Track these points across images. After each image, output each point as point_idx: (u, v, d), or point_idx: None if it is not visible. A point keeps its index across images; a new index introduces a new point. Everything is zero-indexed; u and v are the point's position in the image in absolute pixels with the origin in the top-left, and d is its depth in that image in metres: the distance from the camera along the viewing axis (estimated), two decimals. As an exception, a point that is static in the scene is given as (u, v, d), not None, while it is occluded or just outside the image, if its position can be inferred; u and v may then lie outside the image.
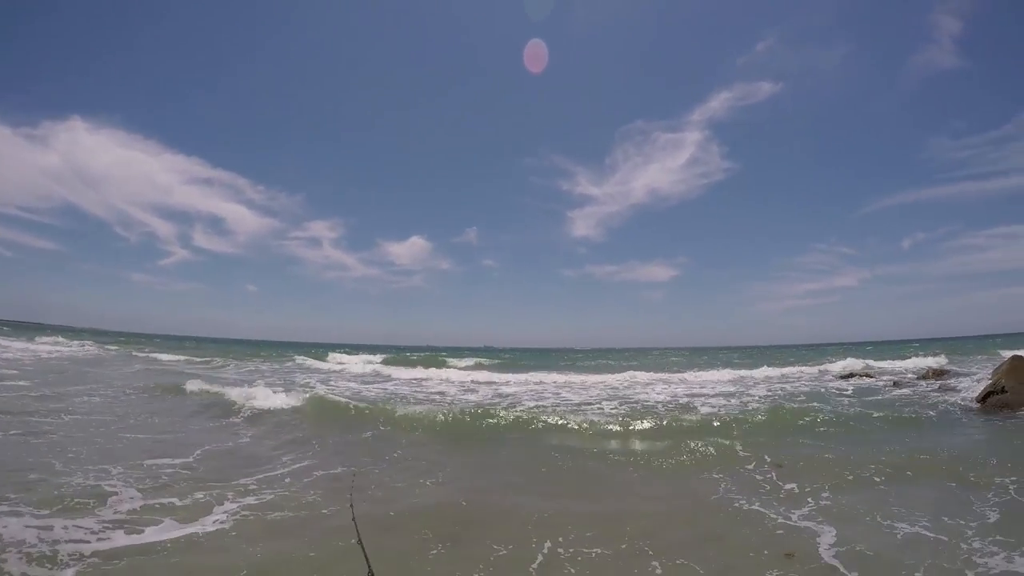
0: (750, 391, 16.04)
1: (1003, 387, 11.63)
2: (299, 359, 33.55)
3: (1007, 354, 15.40)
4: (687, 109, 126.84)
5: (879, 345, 59.83)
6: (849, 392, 15.22)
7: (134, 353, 32.18)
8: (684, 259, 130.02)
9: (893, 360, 25.76)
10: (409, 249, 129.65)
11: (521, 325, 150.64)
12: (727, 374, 22.79)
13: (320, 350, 46.59)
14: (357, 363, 30.96)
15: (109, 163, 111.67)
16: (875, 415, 10.65)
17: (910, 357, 26.77)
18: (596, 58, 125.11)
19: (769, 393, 15.42)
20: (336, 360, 34.73)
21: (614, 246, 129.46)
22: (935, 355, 26.17)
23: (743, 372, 23.25)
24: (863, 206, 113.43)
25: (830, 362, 27.46)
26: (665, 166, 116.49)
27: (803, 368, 24.88)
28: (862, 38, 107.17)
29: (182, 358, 31.18)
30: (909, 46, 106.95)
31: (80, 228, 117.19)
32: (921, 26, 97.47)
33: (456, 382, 20.88)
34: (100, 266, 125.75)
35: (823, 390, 15.85)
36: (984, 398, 11.79)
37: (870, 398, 13.85)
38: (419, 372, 24.88)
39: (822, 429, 9.66)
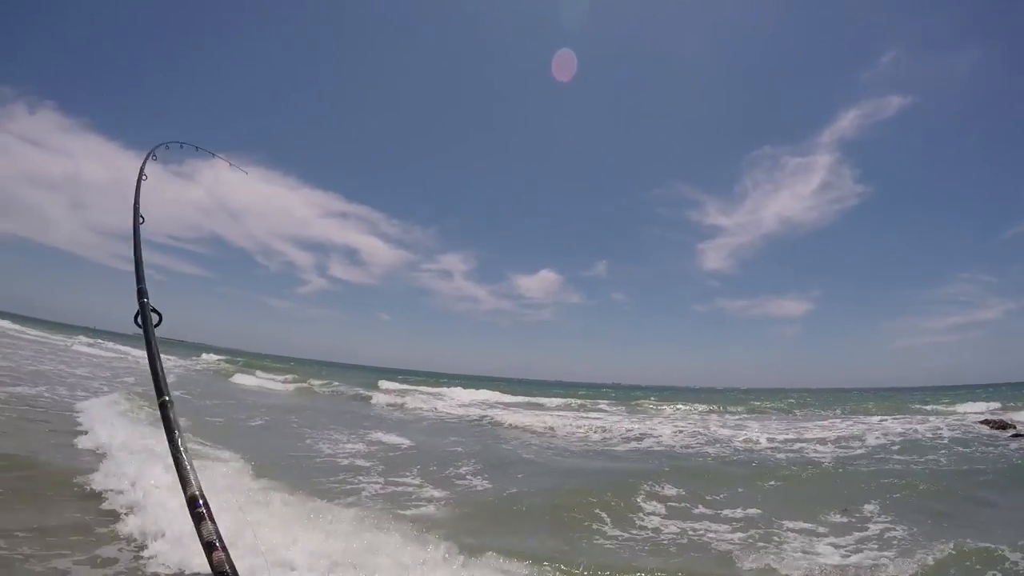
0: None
1: None
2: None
3: None
4: (814, 131, 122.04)
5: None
6: (982, 447, 14.96)
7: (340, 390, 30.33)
8: (818, 292, 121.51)
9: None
10: (539, 282, 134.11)
11: (652, 360, 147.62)
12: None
13: (444, 379, 50.56)
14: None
15: (251, 198, 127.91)
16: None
17: None
18: (717, 84, 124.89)
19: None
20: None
21: (746, 279, 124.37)
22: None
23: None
24: (1008, 227, 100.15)
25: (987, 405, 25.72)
26: (796, 192, 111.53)
27: (938, 416, 23.82)
28: (995, 38, 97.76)
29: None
30: None
31: (224, 256, 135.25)
32: None
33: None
34: (242, 291, 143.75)
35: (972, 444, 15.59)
36: None
37: (1005, 456, 12.88)
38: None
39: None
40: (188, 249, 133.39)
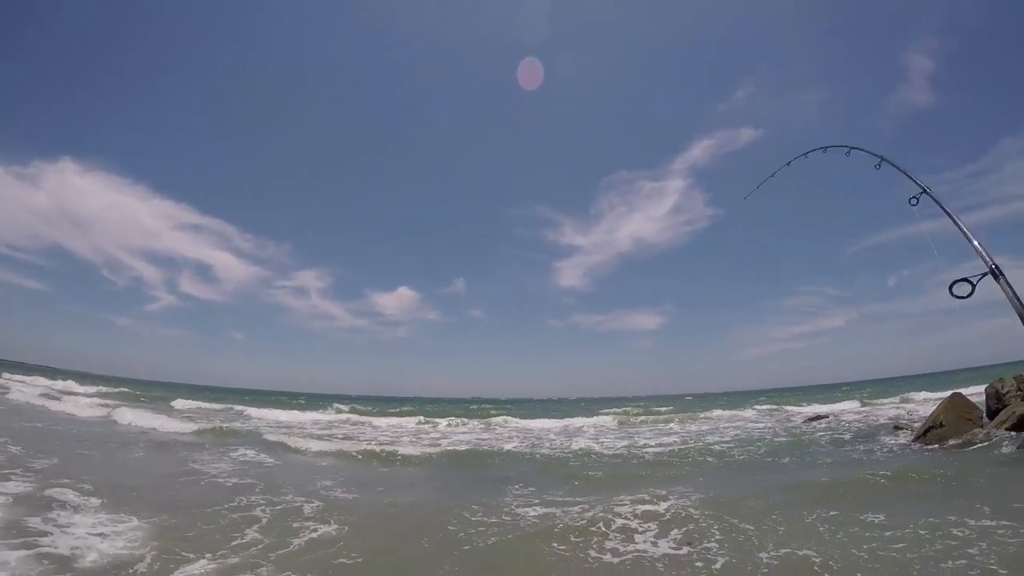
0: (707, 436, 16.06)
1: (941, 422, 11.83)
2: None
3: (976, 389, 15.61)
4: (669, 158, 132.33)
5: (871, 383, 59.77)
6: (798, 436, 15.30)
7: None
8: (671, 307, 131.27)
9: (872, 400, 25.93)
10: (397, 300, 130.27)
11: (510, 375, 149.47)
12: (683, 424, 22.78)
13: (307, 400, 45.78)
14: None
15: (98, 206, 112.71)
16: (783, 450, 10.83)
17: (897, 395, 27.06)
18: (578, 110, 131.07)
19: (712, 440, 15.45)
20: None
21: (601, 295, 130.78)
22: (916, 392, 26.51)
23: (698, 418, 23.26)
24: (847, 247, 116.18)
25: (820, 403, 27.66)
26: (650, 215, 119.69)
27: (773, 411, 24.92)
28: (838, 81, 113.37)
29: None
30: (884, 86, 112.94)
31: (67, 270, 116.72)
32: (894, 66, 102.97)
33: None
34: (86, 308, 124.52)
35: (784, 431, 15.91)
36: (924, 433, 11.95)
37: (813, 442, 13.94)
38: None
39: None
40: (27, 260, 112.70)
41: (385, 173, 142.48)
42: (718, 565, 4.69)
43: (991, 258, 3.27)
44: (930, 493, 6.86)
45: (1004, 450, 9.58)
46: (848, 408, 23.79)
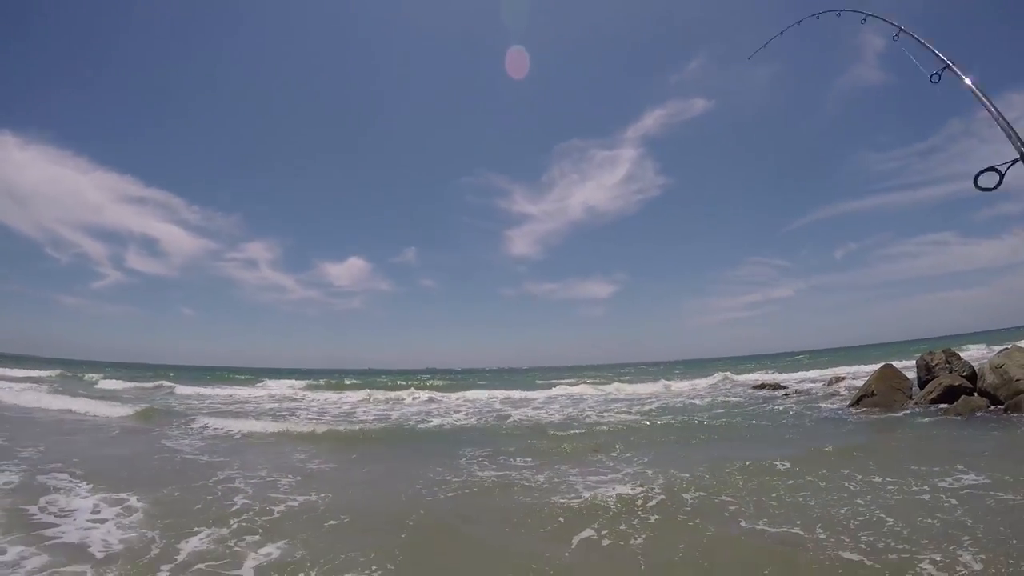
0: (645, 404, 16.16)
1: (872, 391, 12.11)
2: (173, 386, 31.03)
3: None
4: (622, 127, 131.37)
5: (822, 352, 62.46)
6: (740, 402, 15.57)
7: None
8: (623, 275, 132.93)
9: (819, 370, 26.77)
10: (348, 270, 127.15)
11: (463, 345, 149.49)
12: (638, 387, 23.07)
13: (252, 375, 44.36)
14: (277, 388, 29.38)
15: (39, 180, 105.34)
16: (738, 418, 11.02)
17: (843, 364, 27.97)
18: (531, 78, 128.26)
19: (655, 406, 15.58)
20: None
21: (553, 263, 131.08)
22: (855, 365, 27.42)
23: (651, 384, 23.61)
24: (796, 219, 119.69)
25: (767, 372, 28.44)
26: (601, 183, 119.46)
27: (718, 380, 25.49)
28: (790, 56, 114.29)
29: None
30: (835, 63, 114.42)
31: (7, 247, 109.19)
32: (847, 43, 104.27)
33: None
34: (28, 287, 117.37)
35: (720, 400, 16.15)
36: (857, 401, 12.23)
37: (754, 407, 14.16)
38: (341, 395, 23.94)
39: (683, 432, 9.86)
40: None
41: (335, 141, 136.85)
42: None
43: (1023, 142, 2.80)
44: (835, 452, 7.46)
45: (920, 420, 9.92)
46: (795, 377, 24.48)
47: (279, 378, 37.34)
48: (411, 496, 6.11)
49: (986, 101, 3.19)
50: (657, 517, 5.02)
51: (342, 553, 4.26)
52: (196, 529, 4.84)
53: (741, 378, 25.81)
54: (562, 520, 5.05)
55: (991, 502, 4.88)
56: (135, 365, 69.86)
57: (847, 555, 3.90)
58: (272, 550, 4.40)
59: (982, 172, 2.88)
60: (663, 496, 5.60)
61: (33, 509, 5.35)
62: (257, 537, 4.70)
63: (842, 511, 4.87)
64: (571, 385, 25.92)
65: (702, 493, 5.68)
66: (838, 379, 19.08)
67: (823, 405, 13.09)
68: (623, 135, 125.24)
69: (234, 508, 5.57)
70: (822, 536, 4.30)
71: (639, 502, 5.48)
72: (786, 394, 16.86)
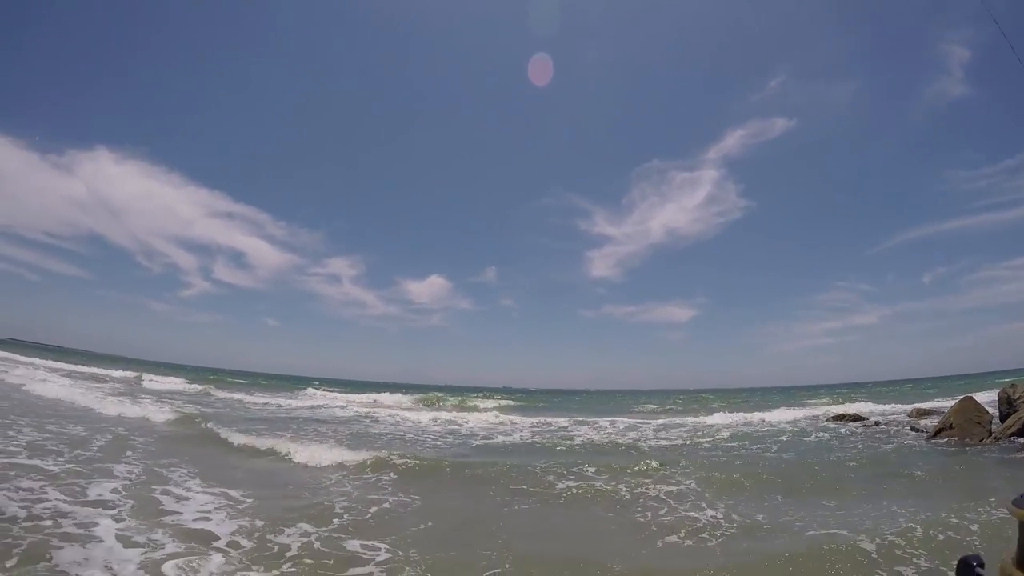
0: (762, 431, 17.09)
1: (951, 424, 12.78)
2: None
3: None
4: (702, 147, 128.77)
5: (896, 383, 58.83)
6: (821, 436, 16.27)
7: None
8: (703, 299, 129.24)
9: (897, 403, 26.28)
10: (428, 288, 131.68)
11: (540, 365, 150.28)
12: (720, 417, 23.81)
13: (333, 385, 48.16)
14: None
15: (133, 194, 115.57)
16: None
17: (930, 400, 27.26)
18: (610, 99, 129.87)
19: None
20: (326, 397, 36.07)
21: (633, 286, 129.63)
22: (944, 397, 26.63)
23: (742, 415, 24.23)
24: (882, 241, 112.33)
25: (838, 404, 28.15)
26: (682, 205, 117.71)
27: (798, 411, 25.67)
28: (872, 71, 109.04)
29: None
30: (920, 77, 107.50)
31: (104, 256, 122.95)
32: (931, 57, 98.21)
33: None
34: (122, 294, 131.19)
35: (803, 431, 16.86)
36: (936, 433, 12.92)
37: (828, 437, 14.93)
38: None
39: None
40: (65, 247, 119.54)
41: (415, 162, 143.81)
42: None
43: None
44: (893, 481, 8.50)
45: (988, 455, 10.72)
46: (880, 409, 24.30)
47: (360, 392, 40.64)
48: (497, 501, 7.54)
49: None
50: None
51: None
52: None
53: (819, 409, 25.86)
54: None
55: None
56: (219, 370, 76.42)
57: None
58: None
59: None
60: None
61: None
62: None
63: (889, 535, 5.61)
64: (656, 413, 26.75)
65: (734, 512, 6.80)
66: (923, 413, 19.20)
67: (903, 440, 13.75)
68: (704, 156, 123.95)
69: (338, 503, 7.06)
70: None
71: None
72: (864, 425, 17.35)
